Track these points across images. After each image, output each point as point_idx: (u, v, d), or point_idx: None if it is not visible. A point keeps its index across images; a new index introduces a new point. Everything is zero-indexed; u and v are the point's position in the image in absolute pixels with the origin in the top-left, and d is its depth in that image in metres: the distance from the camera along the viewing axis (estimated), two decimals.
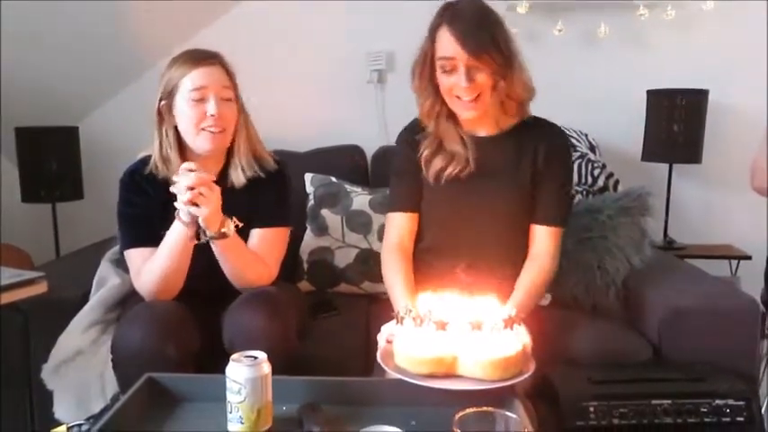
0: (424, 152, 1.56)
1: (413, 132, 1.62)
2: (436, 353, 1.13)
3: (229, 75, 1.55)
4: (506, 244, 1.57)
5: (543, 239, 1.55)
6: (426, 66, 1.51)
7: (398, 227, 1.60)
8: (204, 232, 1.50)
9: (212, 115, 1.48)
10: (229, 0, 2.56)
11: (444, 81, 1.48)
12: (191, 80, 1.49)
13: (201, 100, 1.48)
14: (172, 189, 1.41)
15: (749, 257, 2.44)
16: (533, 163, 1.55)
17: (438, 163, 1.55)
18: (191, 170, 1.40)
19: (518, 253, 1.57)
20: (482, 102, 1.48)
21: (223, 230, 1.45)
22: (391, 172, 1.66)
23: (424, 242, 1.62)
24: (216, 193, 1.42)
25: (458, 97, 1.48)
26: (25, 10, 2.11)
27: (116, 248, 1.86)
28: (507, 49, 1.47)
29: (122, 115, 2.64)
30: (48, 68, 2.40)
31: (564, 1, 2.46)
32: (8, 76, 2.28)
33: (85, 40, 2.34)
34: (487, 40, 1.43)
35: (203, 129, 1.49)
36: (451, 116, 1.55)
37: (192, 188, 1.38)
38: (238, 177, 1.56)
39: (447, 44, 1.45)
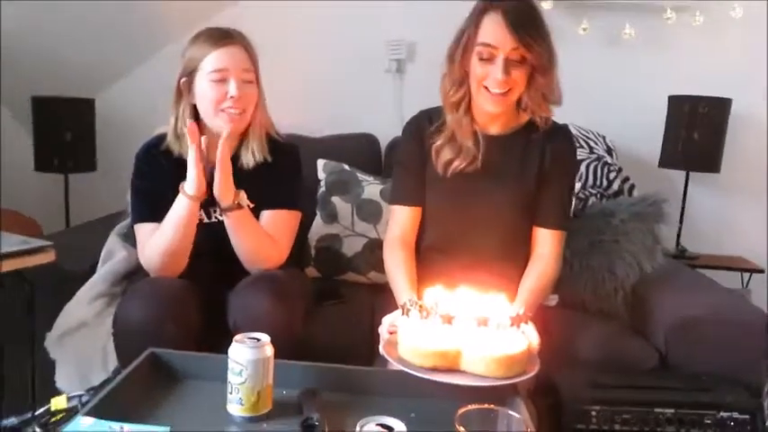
0: (437, 141, 1.54)
1: (419, 125, 1.59)
2: (440, 346, 1.12)
3: (251, 56, 1.54)
4: (508, 243, 1.56)
5: (546, 242, 1.54)
6: (461, 50, 1.46)
7: (401, 220, 1.59)
8: (215, 211, 1.50)
9: (233, 97, 1.47)
10: None
11: (478, 69, 1.44)
12: (212, 61, 1.48)
13: (222, 81, 1.48)
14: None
15: (761, 271, 2.41)
16: (540, 164, 1.54)
17: (447, 154, 1.53)
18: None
19: (519, 253, 1.56)
20: (510, 98, 1.45)
21: (237, 201, 1.45)
22: (395, 163, 1.64)
23: (427, 238, 1.60)
24: (226, 160, 1.44)
25: (486, 88, 1.44)
26: None
27: (125, 222, 1.86)
28: (551, 45, 1.44)
29: (139, 90, 2.64)
30: (67, 39, 2.40)
31: (590, 0, 2.44)
32: (27, 45, 2.28)
33: (106, 12, 2.33)
34: (536, 32, 1.40)
35: (222, 110, 1.49)
36: (469, 109, 1.53)
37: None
38: (248, 159, 1.56)
39: (493, 31, 1.40)
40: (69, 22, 2.33)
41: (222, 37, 1.50)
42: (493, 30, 1.40)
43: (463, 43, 1.46)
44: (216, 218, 1.54)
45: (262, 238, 1.53)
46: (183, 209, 1.45)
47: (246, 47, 1.53)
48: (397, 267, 1.51)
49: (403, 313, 1.21)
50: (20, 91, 2.42)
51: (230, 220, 1.48)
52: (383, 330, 1.30)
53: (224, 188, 1.45)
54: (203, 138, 1.44)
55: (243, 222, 1.49)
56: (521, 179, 1.54)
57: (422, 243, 1.60)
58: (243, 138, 1.58)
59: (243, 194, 1.48)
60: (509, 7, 1.40)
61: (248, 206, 1.51)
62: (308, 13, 2.57)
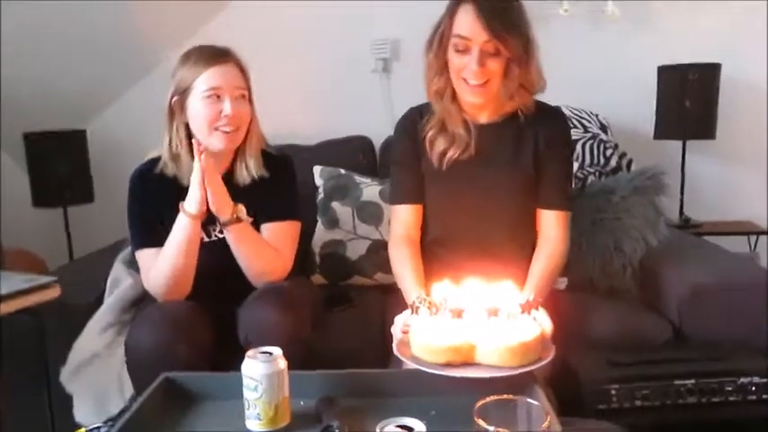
0: (429, 132, 1.54)
1: (411, 120, 1.59)
2: (453, 341, 1.12)
3: (243, 73, 1.54)
4: (512, 229, 1.55)
5: (552, 224, 1.53)
6: (438, 40, 1.47)
7: (404, 219, 1.58)
8: (215, 229, 1.49)
9: (227, 115, 1.47)
10: None
11: (455, 61, 1.44)
12: (205, 80, 1.47)
13: (216, 99, 1.47)
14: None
15: (767, 232, 2.40)
16: (535, 148, 1.53)
17: (440, 144, 1.52)
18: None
19: (525, 237, 1.55)
20: (489, 88, 1.45)
21: (236, 215, 1.46)
22: (391, 162, 1.64)
23: (430, 233, 1.60)
24: (217, 175, 1.45)
25: (465, 80, 1.45)
26: (24, 15, 2.10)
27: (129, 250, 1.86)
28: (527, 36, 1.43)
29: (130, 116, 2.64)
30: (52, 71, 2.40)
31: None
32: (13, 81, 2.28)
33: (89, 40, 2.33)
34: (510, 24, 1.40)
35: (217, 128, 1.48)
36: (456, 98, 1.52)
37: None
38: (243, 175, 1.56)
39: (466, 23, 1.40)
40: (53, 54, 2.33)
41: (215, 55, 1.50)
42: (466, 22, 1.41)
43: (439, 34, 1.47)
44: (216, 236, 1.54)
45: (265, 250, 1.53)
46: (185, 228, 1.45)
47: (239, 65, 1.53)
48: (404, 265, 1.51)
49: (412, 312, 1.20)
50: (11, 128, 2.42)
51: (231, 235, 1.48)
52: (396, 330, 1.30)
53: (220, 202, 1.45)
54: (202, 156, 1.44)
55: (244, 236, 1.49)
56: (517, 164, 1.53)
57: (425, 238, 1.60)
58: (237, 154, 1.58)
59: (241, 207, 1.48)
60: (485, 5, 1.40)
61: (248, 220, 1.51)
62: (292, 22, 2.57)
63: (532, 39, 1.45)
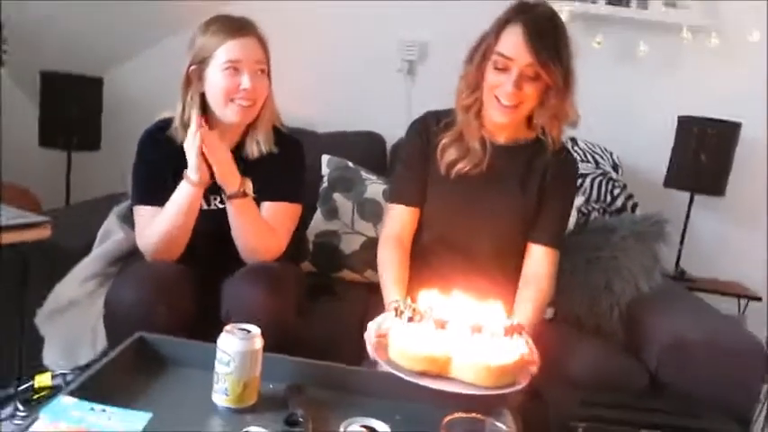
0: (444, 139, 1.53)
1: (426, 123, 1.59)
2: (431, 351, 1.11)
3: (264, 48, 1.53)
4: (503, 252, 1.56)
5: (542, 261, 1.53)
6: (480, 55, 1.46)
7: (398, 219, 1.58)
8: (216, 198, 1.49)
9: (245, 89, 1.46)
10: None
11: (491, 77, 1.44)
12: (226, 51, 1.46)
13: (236, 71, 1.46)
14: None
15: (759, 299, 2.40)
16: (542, 180, 1.54)
17: (452, 154, 1.52)
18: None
19: (511, 262, 1.56)
20: (519, 111, 1.45)
21: (243, 189, 1.46)
22: (397, 160, 1.64)
23: (424, 237, 1.59)
24: (221, 148, 1.45)
25: (497, 98, 1.44)
26: None
27: (125, 204, 1.86)
28: (569, 67, 1.43)
29: (147, 73, 2.62)
30: (79, 16, 2.39)
31: (606, 14, 2.43)
32: (40, 20, 2.27)
33: None
34: (555, 54, 1.40)
35: (233, 100, 1.48)
36: (480, 113, 1.52)
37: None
38: (253, 150, 1.55)
39: (512, 42, 1.40)
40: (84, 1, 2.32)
41: (237, 28, 1.49)
42: (511, 42, 1.40)
43: (482, 49, 1.46)
44: (216, 205, 1.53)
45: (262, 228, 1.52)
46: (185, 195, 1.45)
47: (260, 39, 1.52)
48: (389, 266, 1.50)
49: (396, 315, 1.20)
50: (28, 64, 2.41)
51: (233, 208, 1.48)
52: (369, 336, 1.27)
53: (228, 174, 1.45)
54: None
55: (245, 211, 1.49)
56: (522, 191, 1.54)
57: (419, 242, 1.59)
58: (249, 128, 1.57)
59: (249, 182, 1.48)
60: (532, 22, 1.39)
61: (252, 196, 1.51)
62: (323, 10, 2.56)
63: (573, 70, 1.45)
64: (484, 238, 1.54)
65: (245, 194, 1.47)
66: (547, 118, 1.48)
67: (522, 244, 1.55)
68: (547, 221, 1.54)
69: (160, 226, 1.46)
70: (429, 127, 1.58)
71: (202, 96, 1.52)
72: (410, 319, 1.16)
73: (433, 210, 1.58)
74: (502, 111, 1.44)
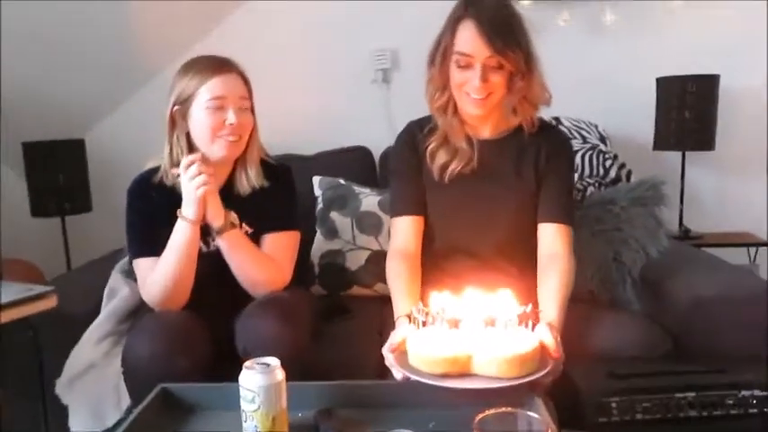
0: (431, 145, 1.54)
1: (411, 133, 1.60)
2: (450, 352, 1.11)
3: (246, 83, 1.54)
4: (510, 244, 1.55)
5: (555, 239, 1.50)
6: (440, 56, 1.47)
7: (403, 231, 1.56)
8: (213, 239, 1.49)
9: (231, 124, 1.47)
10: (231, 1, 2.54)
11: (456, 76, 1.45)
12: (209, 89, 1.47)
13: (220, 108, 1.47)
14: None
15: (767, 244, 2.40)
16: (536, 164, 1.53)
17: (442, 157, 1.52)
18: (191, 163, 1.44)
19: (522, 252, 1.55)
20: (491, 101, 1.45)
21: (230, 221, 1.47)
22: (391, 175, 1.63)
23: (433, 245, 1.59)
24: (213, 179, 1.45)
25: (467, 93, 1.45)
26: (22, 23, 2.11)
27: (126, 259, 1.85)
28: (528, 50, 1.43)
29: (128, 125, 2.64)
30: (50, 81, 2.40)
31: None
32: (11, 90, 2.28)
33: (87, 51, 2.33)
34: (512, 40, 1.40)
35: (219, 137, 1.48)
36: (458, 112, 1.53)
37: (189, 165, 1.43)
38: (243, 185, 1.56)
39: (468, 40, 1.41)
40: (50, 63, 2.33)
41: (219, 65, 1.50)
42: (468, 38, 1.41)
43: (441, 50, 1.47)
44: (214, 246, 1.53)
45: (260, 259, 1.52)
46: (183, 235, 1.45)
47: (242, 75, 1.53)
48: (397, 279, 1.49)
49: (410, 322, 1.19)
50: (10, 138, 2.42)
51: (225, 242, 1.48)
52: (386, 353, 1.25)
53: (214, 209, 1.46)
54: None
55: (238, 243, 1.49)
56: (518, 180, 1.53)
57: (429, 249, 1.59)
58: (236, 164, 1.57)
59: (233, 214, 1.49)
60: (483, 15, 1.40)
61: (246, 231, 1.51)
62: (290, 33, 2.58)
63: (533, 52, 1.45)
64: (490, 234, 1.54)
65: (232, 226, 1.47)
66: (518, 102, 1.49)
67: (531, 232, 1.54)
68: (551, 198, 1.53)
69: (162, 273, 1.46)
70: (415, 136, 1.58)
71: (188, 137, 1.52)
72: (424, 324, 1.16)
73: (435, 217, 1.57)
74: (475, 103, 1.45)
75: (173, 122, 1.52)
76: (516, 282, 1.45)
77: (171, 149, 1.53)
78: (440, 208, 1.57)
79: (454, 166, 1.52)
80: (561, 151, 1.57)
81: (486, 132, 1.56)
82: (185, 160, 1.45)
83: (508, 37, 1.40)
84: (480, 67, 1.41)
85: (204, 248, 1.53)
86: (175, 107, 1.51)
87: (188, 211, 1.44)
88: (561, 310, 1.38)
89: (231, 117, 1.47)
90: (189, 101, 1.49)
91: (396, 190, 1.62)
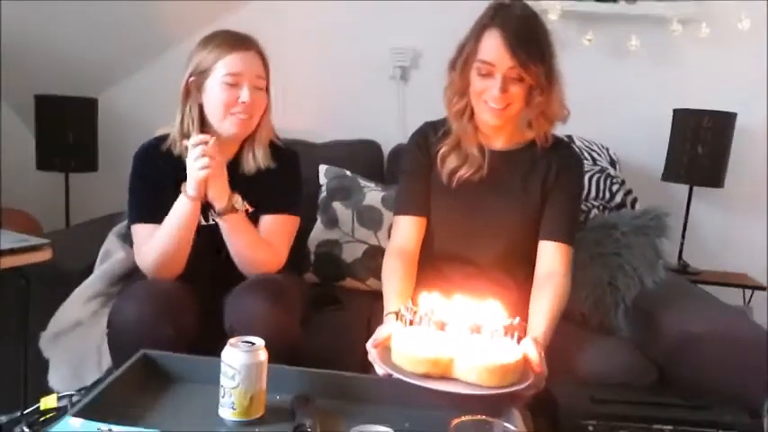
0: (442, 148, 1.54)
1: (424, 135, 1.59)
2: (432, 353, 1.11)
3: (264, 63, 1.54)
4: (510, 256, 1.55)
5: (554, 258, 1.50)
6: (462, 62, 1.47)
7: (404, 230, 1.56)
8: (213, 212, 1.49)
9: (244, 102, 1.47)
10: None
11: (477, 84, 1.44)
12: (227, 64, 1.47)
13: (235, 85, 1.47)
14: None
15: (763, 288, 2.39)
16: (544, 180, 1.53)
17: (452, 161, 1.52)
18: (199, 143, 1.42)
19: (520, 266, 1.55)
20: (509, 112, 1.45)
21: (232, 204, 1.46)
22: (400, 173, 1.63)
23: (433, 248, 1.59)
24: (221, 162, 1.44)
25: (485, 102, 1.44)
26: None
27: (124, 223, 1.85)
28: (551, 65, 1.43)
29: (142, 91, 2.64)
30: (71, 37, 2.40)
31: (596, 11, 2.44)
32: (30, 42, 2.28)
33: (112, 12, 2.33)
34: (535, 54, 1.40)
35: (232, 113, 1.48)
36: (473, 118, 1.52)
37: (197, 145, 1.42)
38: (249, 164, 1.55)
39: (492, 49, 1.40)
40: (73, 20, 2.33)
41: (239, 41, 1.50)
42: (491, 48, 1.41)
43: (464, 57, 1.47)
44: (214, 220, 1.53)
45: (258, 242, 1.52)
46: (184, 210, 1.45)
47: (261, 54, 1.53)
48: (392, 277, 1.49)
49: (397, 319, 1.19)
50: (23, 89, 2.42)
51: (225, 224, 1.48)
52: (370, 349, 1.26)
53: (219, 190, 1.45)
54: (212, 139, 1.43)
55: (238, 226, 1.49)
56: (525, 193, 1.53)
57: (428, 252, 1.58)
58: (244, 143, 1.57)
59: (237, 197, 1.48)
60: (509, 26, 1.40)
61: (246, 210, 1.51)
62: (314, 20, 2.57)
63: (555, 68, 1.45)
64: (491, 245, 1.54)
65: (234, 209, 1.47)
66: (534, 116, 1.49)
67: (530, 247, 1.54)
68: (554, 217, 1.52)
69: (159, 243, 1.46)
70: (428, 138, 1.58)
71: (200, 108, 1.52)
72: (411, 323, 1.16)
73: (438, 221, 1.57)
74: (492, 113, 1.45)
75: (187, 93, 1.52)
76: (511, 294, 1.46)
77: (182, 119, 1.52)
78: (443, 213, 1.56)
79: (463, 172, 1.51)
80: (572, 170, 1.56)
81: (499, 143, 1.55)
82: (195, 138, 1.43)
83: (532, 50, 1.40)
84: (501, 77, 1.40)
85: (203, 222, 1.52)
86: (191, 78, 1.51)
87: (189, 187, 1.44)
88: (549, 329, 1.37)
89: (245, 95, 1.47)
90: (205, 74, 1.49)
91: (402, 188, 1.61)
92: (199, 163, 1.41)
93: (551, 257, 1.50)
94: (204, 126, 1.53)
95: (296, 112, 2.30)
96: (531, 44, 1.40)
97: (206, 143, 1.41)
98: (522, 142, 1.56)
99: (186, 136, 1.51)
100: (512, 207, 1.53)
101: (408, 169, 1.60)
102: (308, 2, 2.55)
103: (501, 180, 1.53)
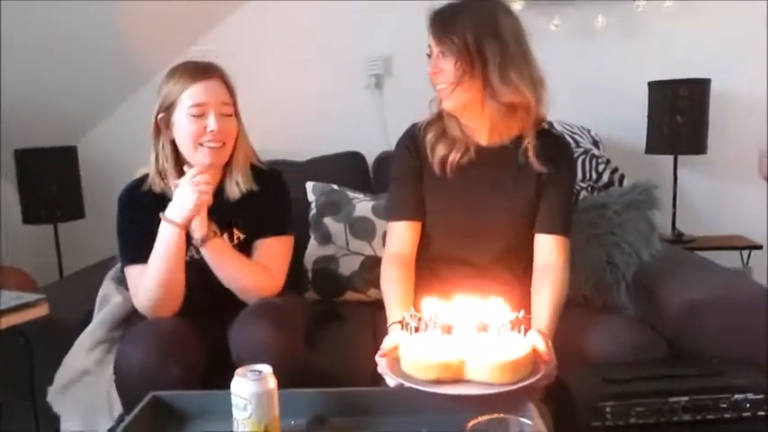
0: (429, 136, 1.54)
1: (413, 137, 1.59)
2: (442, 357, 1.11)
3: (229, 89, 1.53)
4: (508, 251, 1.55)
5: (551, 250, 1.50)
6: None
7: (399, 236, 1.56)
8: (194, 244, 1.49)
9: (212, 131, 1.47)
10: (226, 2, 2.54)
11: (428, 68, 1.48)
12: (191, 95, 1.47)
13: (201, 115, 1.47)
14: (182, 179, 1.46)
15: (760, 247, 2.41)
16: (539, 174, 1.52)
17: (441, 150, 1.52)
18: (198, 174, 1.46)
19: (519, 262, 1.56)
20: (456, 93, 1.44)
21: (213, 230, 1.46)
22: (390, 179, 1.63)
23: (429, 250, 1.59)
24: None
25: (433, 85, 1.48)
26: (19, 33, 2.10)
27: (118, 266, 1.84)
28: (480, 43, 1.41)
29: (120, 133, 2.63)
30: (43, 88, 2.39)
31: None
32: (3, 98, 2.27)
33: (80, 58, 2.33)
34: (449, 29, 1.42)
35: (202, 144, 1.48)
36: (454, 116, 1.52)
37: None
38: (234, 191, 1.55)
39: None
40: (49, 71, 2.33)
41: (200, 71, 1.50)
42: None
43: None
44: (198, 255, 1.52)
45: (246, 266, 1.52)
46: (169, 238, 1.44)
47: (224, 80, 1.53)
48: (391, 285, 1.49)
49: (402, 328, 1.19)
50: (2, 145, 2.41)
51: (208, 251, 1.47)
52: (379, 361, 1.26)
53: (200, 218, 1.46)
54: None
55: (221, 252, 1.49)
56: (519, 187, 1.53)
57: (425, 255, 1.58)
58: (226, 170, 1.57)
59: (213, 225, 1.49)
60: (436, 7, 1.46)
61: (238, 238, 1.51)
62: (281, 37, 2.58)
63: (487, 46, 1.41)
64: (488, 244, 1.54)
65: (214, 234, 1.47)
66: (506, 108, 1.46)
67: (529, 241, 1.54)
68: (549, 210, 1.52)
69: (151, 278, 1.45)
70: (416, 139, 1.57)
71: (173, 143, 1.52)
72: (416, 330, 1.16)
73: (433, 223, 1.57)
74: (441, 93, 1.47)
75: (157, 130, 1.51)
76: (512, 290, 1.45)
77: (157, 157, 1.52)
78: (439, 215, 1.56)
79: (453, 157, 1.50)
80: (564, 163, 1.56)
81: (484, 140, 1.53)
82: (195, 170, 1.47)
83: (446, 26, 1.43)
84: (434, 53, 1.45)
85: (195, 255, 1.52)
86: (160, 115, 1.50)
87: (174, 213, 1.44)
88: (553, 320, 1.38)
89: (212, 123, 1.47)
90: (172, 108, 1.49)
91: (394, 194, 1.61)
92: (201, 188, 1.43)
93: (548, 250, 1.51)
94: (179, 161, 1.53)
95: (276, 132, 2.30)
96: (446, 19, 1.44)
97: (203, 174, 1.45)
98: (509, 137, 1.54)
99: (162, 173, 1.51)
100: (507, 204, 1.53)
101: (399, 175, 1.60)
102: (277, 20, 2.57)
103: (494, 178, 1.53)
